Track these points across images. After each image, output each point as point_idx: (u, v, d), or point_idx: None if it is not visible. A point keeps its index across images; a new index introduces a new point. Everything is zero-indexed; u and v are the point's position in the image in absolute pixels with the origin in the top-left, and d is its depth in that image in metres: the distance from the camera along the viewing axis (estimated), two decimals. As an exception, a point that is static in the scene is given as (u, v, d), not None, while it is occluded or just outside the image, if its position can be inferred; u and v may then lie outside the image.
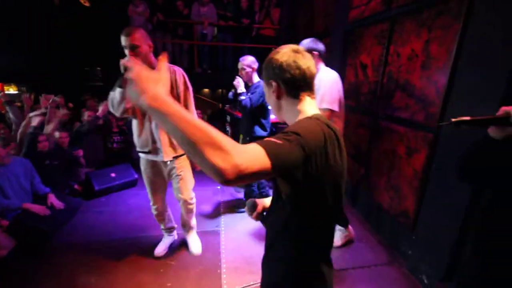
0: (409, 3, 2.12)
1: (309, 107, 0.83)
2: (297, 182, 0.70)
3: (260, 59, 6.40)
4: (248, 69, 2.57)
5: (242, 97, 2.50)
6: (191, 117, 0.55)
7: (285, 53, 0.80)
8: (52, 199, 2.72)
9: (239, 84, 2.52)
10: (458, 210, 1.68)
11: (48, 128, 3.28)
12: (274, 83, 0.82)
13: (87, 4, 5.07)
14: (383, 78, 2.48)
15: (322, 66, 2.08)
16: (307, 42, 2.03)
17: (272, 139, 0.65)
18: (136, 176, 3.65)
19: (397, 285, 2.06)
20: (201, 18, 5.20)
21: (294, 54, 0.80)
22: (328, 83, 1.98)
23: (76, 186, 3.37)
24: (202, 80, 5.69)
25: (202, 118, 4.83)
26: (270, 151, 0.60)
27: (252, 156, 0.58)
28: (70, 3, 5.05)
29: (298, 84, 0.81)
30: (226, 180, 0.54)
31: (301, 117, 0.81)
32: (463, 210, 1.65)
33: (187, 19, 5.25)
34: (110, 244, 2.43)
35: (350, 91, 3.13)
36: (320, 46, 2.04)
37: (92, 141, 3.87)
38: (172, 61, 5.48)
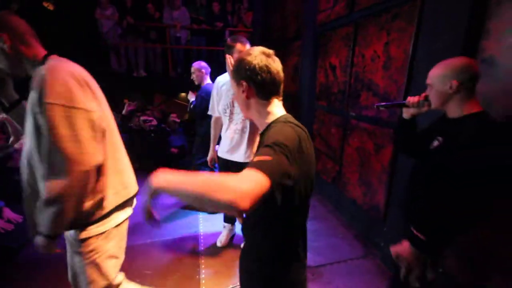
0: (368, 7, 2.24)
1: (278, 109, 0.89)
2: (287, 189, 0.73)
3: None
4: (198, 72, 2.89)
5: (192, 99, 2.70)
6: (191, 178, 0.63)
7: (257, 56, 0.83)
8: (8, 212, 2.55)
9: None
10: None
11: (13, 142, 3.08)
12: (244, 83, 0.85)
13: (51, 8, 4.84)
14: (351, 78, 2.59)
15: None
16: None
17: (261, 158, 0.67)
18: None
19: (372, 276, 2.15)
20: (173, 22, 5.15)
21: (266, 58, 0.84)
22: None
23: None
24: (177, 84, 5.62)
25: (178, 121, 4.77)
26: (264, 170, 0.64)
27: (252, 180, 0.62)
28: (31, 6, 4.80)
29: (268, 87, 0.85)
30: (243, 209, 0.58)
31: (271, 118, 0.87)
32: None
33: (159, 23, 5.17)
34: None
35: (321, 92, 3.24)
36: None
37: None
38: (146, 65, 5.37)
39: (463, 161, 0.97)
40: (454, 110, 1.07)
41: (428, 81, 1.13)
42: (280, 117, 0.87)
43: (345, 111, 2.71)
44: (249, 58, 0.83)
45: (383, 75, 2.14)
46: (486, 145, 0.97)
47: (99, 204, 1.07)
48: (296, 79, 3.90)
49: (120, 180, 1.15)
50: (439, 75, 1.09)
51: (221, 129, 2.17)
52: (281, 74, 0.87)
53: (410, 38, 1.84)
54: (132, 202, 1.28)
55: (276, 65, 0.85)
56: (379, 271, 2.17)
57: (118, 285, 1.27)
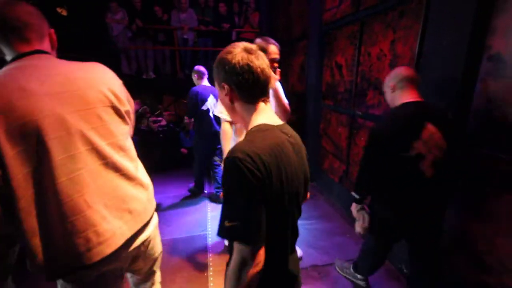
0: (374, 5, 2.23)
1: (262, 115, 0.79)
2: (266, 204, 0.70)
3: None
4: (192, 76, 3.18)
5: None
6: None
7: (237, 54, 0.73)
8: None
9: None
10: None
11: None
12: (226, 86, 0.77)
13: (64, 14, 4.99)
14: (357, 77, 2.58)
15: None
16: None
17: (228, 224, 0.66)
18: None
19: (379, 275, 2.14)
20: (181, 24, 5.22)
21: (247, 55, 0.73)
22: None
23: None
24: (185, 85, 5.69)
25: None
26: (240, 241, 0.67)
27: (239, 259, 0.68)
28: (46, 13, 4.97)
29: (251, 89, 0.76)
30: (261, 262, 0.69)
31: (252, 125, 0.78)
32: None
33: (166, 25, 5.26)
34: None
35: (328, 91, 3.23)
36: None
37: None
38: (155, 67, 5.48)
39: (371, 130, 1.45)
40: (396, 102, 1.46)
41: (384, 88, 1.57)
42: (259, 125, 0.76)
43: (352, 110, 2.70)
44: (228, 57, 0.74)
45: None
46: (383, 119, 1.53)
47: None
48: (302, 79, 3.90)
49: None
50: (385, 83, 1.53)
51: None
52: (267, 72, 0.76)
53: (417, 36, 1.82)
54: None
55: (259, 62, 0.74)
56: (387, 271, 2.16)
57: None
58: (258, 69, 0.74)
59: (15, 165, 0.72)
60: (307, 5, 3.49)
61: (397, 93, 1.45)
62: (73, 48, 5.32)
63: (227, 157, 0.67)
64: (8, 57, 0.85)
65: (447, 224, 1.59)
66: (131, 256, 1.01)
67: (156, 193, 1.15)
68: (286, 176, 0.72)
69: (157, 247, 1.15)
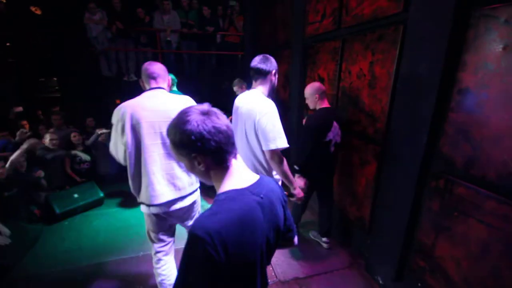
0: (354, 25, 2.28)
1: (234, 177, 0.78)
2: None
3: (226, 66, 6.37)
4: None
5: None
6: None
7: (197, 120, 0.70)
8: None
9: None
10: (403, 217, 1.87)
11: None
12: (199, 157, 0.73)
13: (38, 12, 4.74)
14: (338, 92, 2.64)
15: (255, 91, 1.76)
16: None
17: None
18: (102, 194, 3.53)
19: (357, 285, 2.24)
20: (164, 26, 5.10)
21: (207, 117, 0.71)
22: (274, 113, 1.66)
23: (35, 211, 3.18)
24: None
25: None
26: None
27: None
28: (19, 11, 4.70)
29: (224, 149, 0.73)
30: None
31: (222, 189, 0.76)
32: (408, 217, 1.84)
33: (149, 27, 5.12)
34: (75, 272, 2.36)
35: (311, 102, 3.28)
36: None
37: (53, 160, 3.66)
38: (136, 70, 5.32)
39: (304, 125, 2.29)
40: (317, 107, 2.31)
41: (308, 97, 2.32)
42: (228, 192, 0.75)
43: (333, 123, 2.76)
44: (190, 128, 0.69)
45: (369, 93, 2.19)
46: (309, 118, 2.29)
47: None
48: (286, 87, 3.93)
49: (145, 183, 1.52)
50: (310, 93, 2.30)
51: None
52: (230, 125, 0.75)
53: (393, 61, 1.89)
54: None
55: (221, 119, 0.73)
56: (364, 282, 2.26)
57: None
58: (224, 127, 0.72)
59: (131, 143, 1.45)
60: (291, 15, 3.51)
61: (319, 101, 2.28)
62: (49, 48, 5.08)
63: (190, 229, 0.67)
64: (147, 87, 1.59)
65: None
66: (175, 213, 1.61)
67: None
68: (247, 247, 0.72)
69: (192, 215, 1.75)
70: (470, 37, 1.41)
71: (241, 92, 3.76)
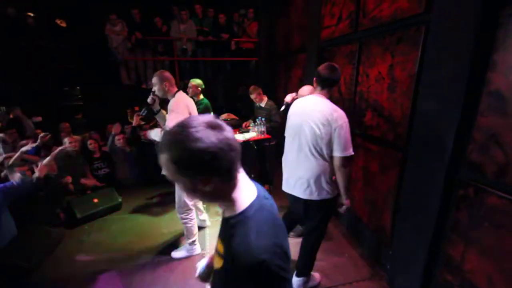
0: (372, 28, 2.22)
1: (245, 189, 0.72)
2: None
3: (240, 72, 6.44)
4: (194, 88, 3.59)
5: None
6: None
7: (209, 137, 0.58)
8: None
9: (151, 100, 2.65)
10: (428, 227, 1.76)
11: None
12: (214, 179, 0.62)
13: (63, 25, 5.00)
14: (355, 96, 2.56)
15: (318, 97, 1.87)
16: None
17: None
18: (120, 199, 3.61)
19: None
20: (180, 35, 5.23)
21: (218, 132, 0.60)
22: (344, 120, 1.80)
23: (60, 214, 3.30)
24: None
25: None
26: None
27: None
28: (46, 24, 4.98)
29: (235, 167, 0.65)
30: None
31: (240, 206, 0.69)
32: (433, 227, 1.73)
33: (166, 36, 5.26)
34: (94, 277, 2.40)
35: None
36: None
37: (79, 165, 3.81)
38: (154, 77, 5.47)
39: None
40: None
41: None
42: (251, 205, 0.69)
43: (351, 128, 2.68)
44: (200, 146, 0.57)
45: (388, 97, 2.11)
46: None
47: None
48: (301, 92, 3.89)
49: None
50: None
51: None
52: (236, 137, 0.68)
53: (415, 63, 1.81)
54: None
55: (229, 130, 0.63)
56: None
57: None
58: (234, 142, 0.62)
59: None
60: (306, 20, 3.49)
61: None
62: (73, 59, 5.34)
63: (247, 260, 0.60)
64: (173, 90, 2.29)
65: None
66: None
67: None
68: (288, 251, 0.72)
69: None
70: (500, 36, 1.32)
71: (259, 99, 3.78)
